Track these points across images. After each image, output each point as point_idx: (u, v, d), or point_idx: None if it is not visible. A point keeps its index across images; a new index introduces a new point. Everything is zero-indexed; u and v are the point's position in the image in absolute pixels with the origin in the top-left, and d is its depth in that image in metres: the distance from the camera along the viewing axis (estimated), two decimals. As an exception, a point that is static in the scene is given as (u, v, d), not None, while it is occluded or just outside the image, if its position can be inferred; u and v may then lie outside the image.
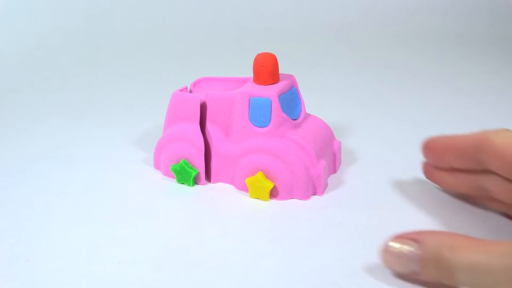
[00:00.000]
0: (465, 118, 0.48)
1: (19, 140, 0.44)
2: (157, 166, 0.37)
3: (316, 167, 0.32)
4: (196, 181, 0.35)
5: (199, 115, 0.34)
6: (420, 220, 0.30)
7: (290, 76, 0.34)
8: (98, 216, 0.31)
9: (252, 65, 0.33)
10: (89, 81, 0.63)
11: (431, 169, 0.33)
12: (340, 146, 0.36)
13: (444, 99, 0.54)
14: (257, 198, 0.33)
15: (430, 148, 0.32)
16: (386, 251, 0.25)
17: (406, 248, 0.24)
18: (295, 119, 0.33)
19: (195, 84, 0.37)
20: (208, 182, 0.35)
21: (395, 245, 0.25)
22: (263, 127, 0.32)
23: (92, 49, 0.77)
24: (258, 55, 0.33)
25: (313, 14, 0.94)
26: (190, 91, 0.37)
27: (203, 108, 0.34)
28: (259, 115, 0.32)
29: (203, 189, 0.34)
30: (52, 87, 0.60)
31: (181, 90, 0.36)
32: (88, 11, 0.86)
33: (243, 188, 0.33)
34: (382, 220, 0.30)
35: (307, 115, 0.35)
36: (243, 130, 0.33)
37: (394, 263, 0.25)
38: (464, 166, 0.30)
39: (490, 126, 0.45)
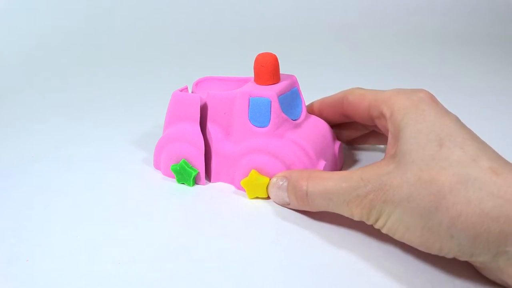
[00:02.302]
0: (465, 118, 0.48)
1: (19, 140, 0.44)
2: (157, 166, 0.37)
3: (315, 167, 0.32)
4: (196, 181, 0.35)
5: (199, 115, 0.34)
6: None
7: (291, 76, 0.34)
8: (98, 216, 0.31)
9: (253, 65, 0.33)
10: (89, 81, 0.63)
11: None
12: (342, 147, 0.36)
13: (444, 99, 0.53)
14: (256, 198, 0.33)
15: (311, 109, 0.37)
16: (270, 185, 0.31)
17: (279, 182, 0.30)
18: (295, 120, 0.33)
19: (197, 83, 0.37)
20: (208, 182, 0.35)
21: (273, 180, 0.31)
22: (262, 127, 0.32)
23: (92, 49, 0.77)
24: (259, 55, 0.33)
25: (313, 14, 0.94)
26: (192, 91, 0.37)
27: (203, 107, 0.34)
28: (258, 115, 0.32)
29: (203, 189, 0.34)
30: (52, 87, 0.60)
31: (181, 90, 0.36)
32: (88, 11, 0.86)
33: (243, 188, 0.33)
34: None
35: (308, 116, 0.35)
36: (243, 130, 0.33)
37: (274, 195, 0.31)
38: (338, 121, 0.36)
39: (490, 126, 0.45)
